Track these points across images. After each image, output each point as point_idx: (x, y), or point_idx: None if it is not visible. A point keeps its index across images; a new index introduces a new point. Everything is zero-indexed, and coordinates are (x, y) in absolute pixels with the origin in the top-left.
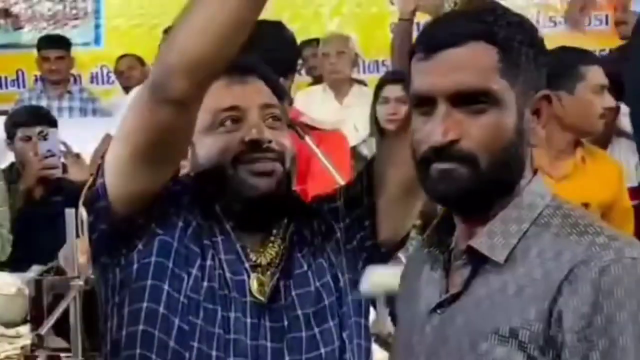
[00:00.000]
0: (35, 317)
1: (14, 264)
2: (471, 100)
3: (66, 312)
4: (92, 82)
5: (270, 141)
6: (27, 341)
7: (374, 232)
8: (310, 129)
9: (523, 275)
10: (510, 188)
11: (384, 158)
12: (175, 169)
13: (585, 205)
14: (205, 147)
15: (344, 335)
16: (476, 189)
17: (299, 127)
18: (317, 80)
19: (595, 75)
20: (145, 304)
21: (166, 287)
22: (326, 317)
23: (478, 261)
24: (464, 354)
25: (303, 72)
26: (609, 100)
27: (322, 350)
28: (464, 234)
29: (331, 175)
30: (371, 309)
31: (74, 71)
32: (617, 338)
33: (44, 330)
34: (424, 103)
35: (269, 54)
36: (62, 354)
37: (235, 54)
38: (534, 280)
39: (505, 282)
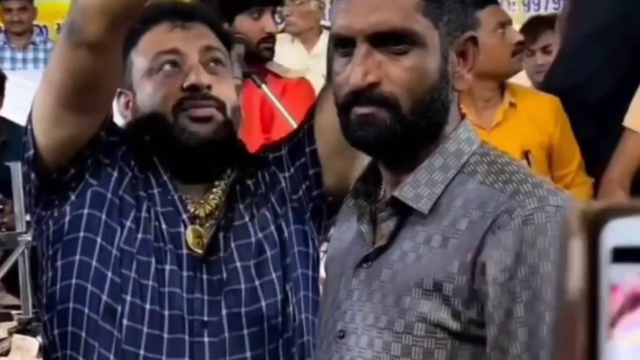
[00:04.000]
0: None
1: None
2: (392, 40)
3: (16, 269)
4: (58, 33)
5: (209, 86)
6: None
7: (319, 181)
8: (275, 77)
9: (448, 226)
10: (435, 134)
11: (322, 103)
12: (102, 117)
13: (527, 152)
14: (146, 93)
15: (287, 287)
16: (398, 134)
17: (255, 76)
18: None
19: (490, 15)
20: (77, 257)
21: (99, 239)
22: (268, 269)
23: (404, 212)
24: (388, 310)
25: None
26: (515, 35)
27: (263, 303)
28: (390, 184)
29: (292, 125)
30: None
31: (40, 22)
32: (541, 289)
33: None
34: (344, 44)
35: None
36: (13, 312)
37: None
38: (459, 231)
39: (430, 233)
